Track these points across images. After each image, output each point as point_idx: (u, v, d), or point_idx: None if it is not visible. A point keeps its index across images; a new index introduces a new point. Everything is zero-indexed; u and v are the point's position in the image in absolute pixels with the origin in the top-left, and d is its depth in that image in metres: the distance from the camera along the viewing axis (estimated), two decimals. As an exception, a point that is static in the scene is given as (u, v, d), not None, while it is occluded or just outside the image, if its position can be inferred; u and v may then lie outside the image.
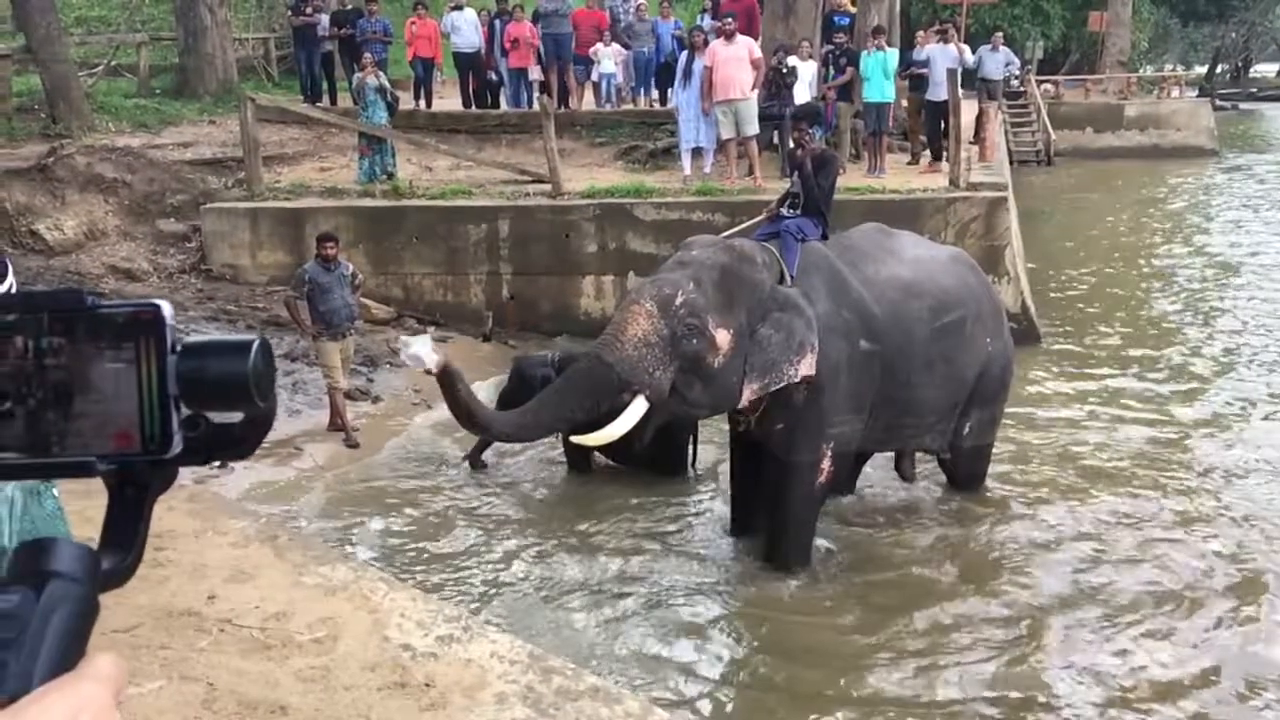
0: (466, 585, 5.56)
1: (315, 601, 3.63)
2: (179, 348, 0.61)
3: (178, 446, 0.61)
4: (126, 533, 0.63)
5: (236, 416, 0.64)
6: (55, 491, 2.02)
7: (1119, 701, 4.57)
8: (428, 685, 3.15)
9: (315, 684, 3.16)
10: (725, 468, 6.37)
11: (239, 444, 0.65)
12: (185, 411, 0.62)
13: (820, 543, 5.91)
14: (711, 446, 7.11)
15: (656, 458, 6.57)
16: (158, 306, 0.60)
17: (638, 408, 4.91)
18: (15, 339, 0.60)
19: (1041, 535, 6.10)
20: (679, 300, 4.99)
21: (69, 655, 0.55)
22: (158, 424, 0.60)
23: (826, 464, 5.58)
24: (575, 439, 5.57)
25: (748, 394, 5.12)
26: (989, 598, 5.48)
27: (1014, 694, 4.64)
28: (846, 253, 5.79)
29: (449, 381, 4.23)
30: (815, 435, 5.49)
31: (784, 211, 5.95)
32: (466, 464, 7.08)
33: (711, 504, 6.58)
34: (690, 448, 7.01)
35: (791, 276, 5.41)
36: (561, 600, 5.38)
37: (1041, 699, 4.60)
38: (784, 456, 5.52)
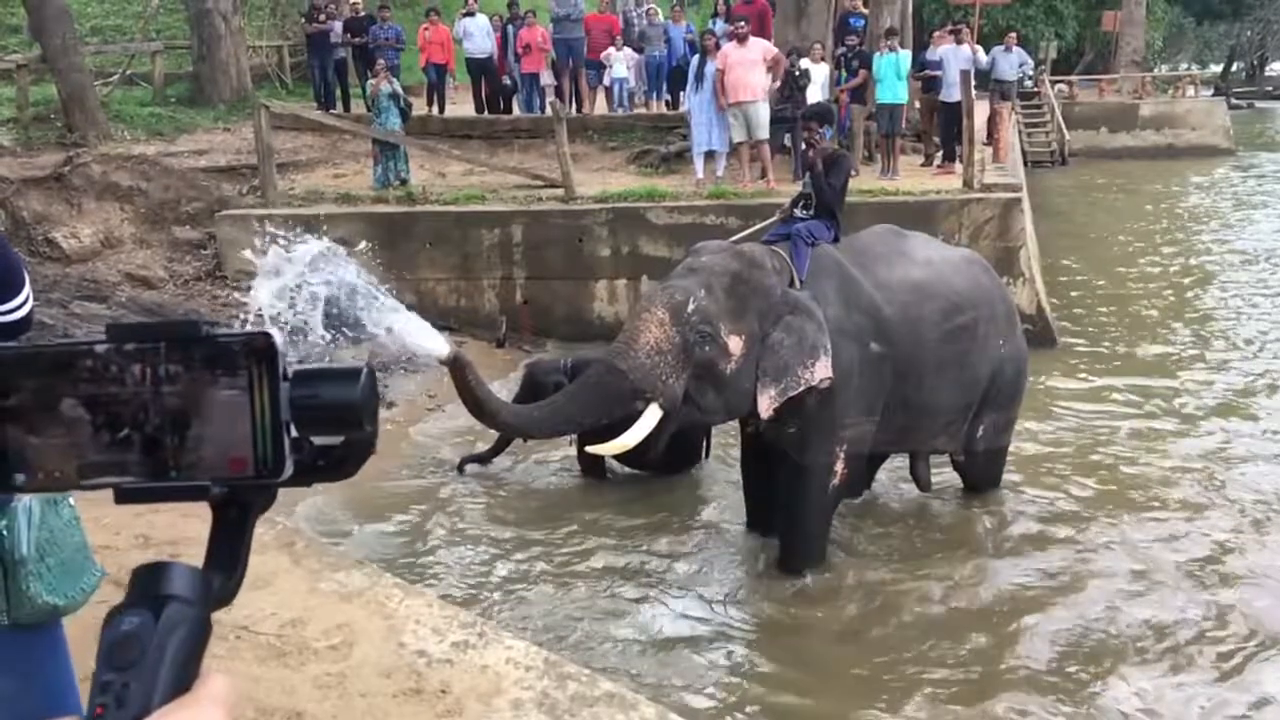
0: (481, 591, 5.57)
1: (331, 608, 3.64)
2: (290, 374, 0.63)
3: (289, 470, 0.63)
4: (231, 553, 0.66)
5: (337, 439, 0.67)
6: (71, 500, 2.03)
7: None
8: (443, 692, 3.15)
9: (331, 690, 3.17)
10: (737, 467, 6.36)
11: (340, 466, 0.68)
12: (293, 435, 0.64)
13: (834, 547, 5.89)
14: (722, 442, 7.10)
15: (671, 463, 6.57)
16: (270, 335, 0.62)
17: (651, 416, 4.90)
18: (133, 367, 0.62)
19: (1056, 540, 6.06)
20: (691, 307, 4.99)
21: (186, 676, 0.59)
22: (270, 448, 0.62)
23: (840, 466, 5.57)
24: (591, 449, 5.56)
25: (765, 402, 5.10)
26: (1003, 605, 5.45)
27: (1026, 708, 4.61)
28: (858, 255, 5.78)
29: (459, 370, 4.22)
30: (828, 438, 5.48)
31: (797, 212, 5.94)
32: (476, 467, 7.09)
33: (724, 508, 6.56)
34: (704, 444, 7.02)
35: (801, 280, 5.40)
36: (576, 606, 5.38)
37: (1055, 704, 4.57)
38: (797, 459, 5.50)
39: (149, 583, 0.61)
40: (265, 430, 0.62)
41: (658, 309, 5.01)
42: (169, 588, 0.60)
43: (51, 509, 1.92)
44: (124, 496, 0.64)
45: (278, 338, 0.62)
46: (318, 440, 0.66)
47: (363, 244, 9.04)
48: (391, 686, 3.18)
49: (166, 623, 0.59)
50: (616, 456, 6.05)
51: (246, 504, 0.66)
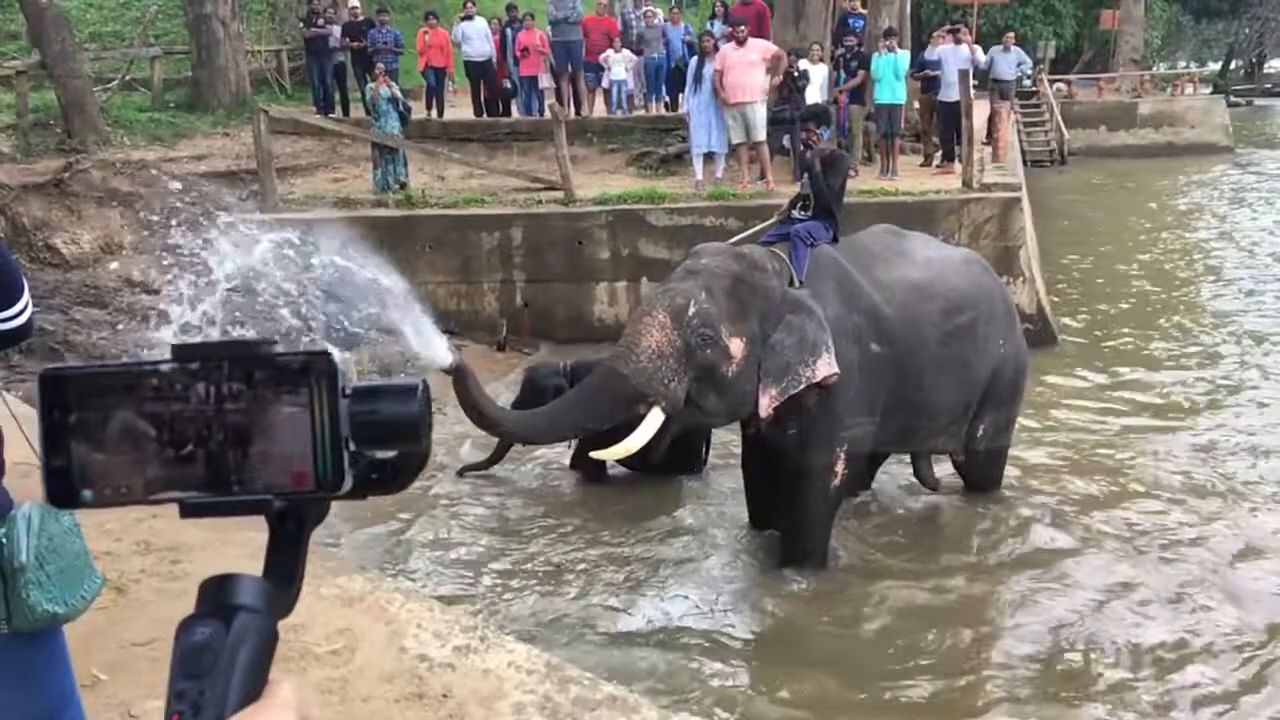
0: (482, 595, 5.56)
1: (332, 612, 3.63)
2: (349, 391, 0.65)
3: (349, 484, 0.65)
4: (290, 564, 0.68)
5: (390, 453, 0.69)
6: (72, 507, 2.02)
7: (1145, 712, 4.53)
8: (445, 696, 3.15)
9: (333, 695, 3.16)
10: (738, 469, 6.35)
11: (394, 479, 0.70)
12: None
13: (836, 547, 5.89)
14: (723, 442, 7.09)
15: (672, 464, 6.56)
16: (329, 354, 0.65)
17: (654, 419, 4.90)
18: (197, 386, 0.64)
19: (1058, 540, 6.05)
20: (692, 310, 4.98)
21: (256, 684, 0.61)
22: (330, 464, 0.64)
23: (840, 466, 5.57)
24: (595, 454, 5.56)
25: (767, 401, 5.10)
26: (1004, 606, 5.45)
27: (1031, 703, 4.61)
28: (857, 255, 5.78)
29: (459, 377, 4.23)
30: (828, 438, 5.48)
31: (796, 213, 5.94)
32: (477, 472, 7.08)
33: (724, 509, 6.55)
34: (704, 447, 7.01)
35: (800, 281, 5.40)
36: (576, 609, 5.37)
37: (1059, 707, 4.56)
38: (798, 460, 5.50)
39: (219, 593, 0.63)
40: (325, 445, 0.64)
41: (659, 312, 5.01)
42: (238, 598, 0.63)
43: (51, 516, 1.91)
44: (188, 511, 0.66)
45: (336, 355, 0.64)
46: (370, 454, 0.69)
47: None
48: (393, 691, 3.18)
49: (238, 632, 0.61)
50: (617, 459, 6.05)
51: (303, 517, 0.68)
